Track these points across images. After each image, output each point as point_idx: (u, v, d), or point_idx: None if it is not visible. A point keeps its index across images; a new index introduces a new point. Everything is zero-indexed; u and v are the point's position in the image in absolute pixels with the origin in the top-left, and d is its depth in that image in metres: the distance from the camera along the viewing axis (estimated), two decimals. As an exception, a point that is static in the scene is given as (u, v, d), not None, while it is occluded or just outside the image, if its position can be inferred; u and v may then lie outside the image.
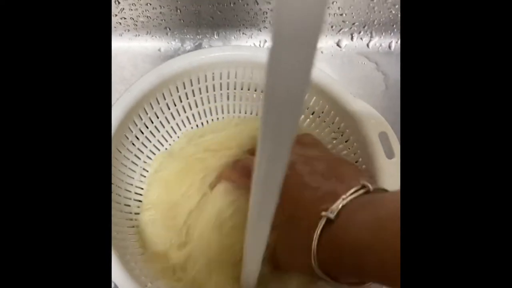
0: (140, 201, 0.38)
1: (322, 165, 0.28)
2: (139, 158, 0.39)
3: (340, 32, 0.51)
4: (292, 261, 0.28)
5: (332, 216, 0.23)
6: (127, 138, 0.37)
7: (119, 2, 0.46)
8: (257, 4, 0.47)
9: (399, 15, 0.50)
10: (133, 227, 0.36)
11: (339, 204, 0.23)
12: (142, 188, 0.39)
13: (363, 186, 0.24)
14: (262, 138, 0.14)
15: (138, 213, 0.38)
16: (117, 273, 0.28)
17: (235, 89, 0.41)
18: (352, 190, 0.24)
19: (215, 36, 0.51)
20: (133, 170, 0.38)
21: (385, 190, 0.25)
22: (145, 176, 0.40)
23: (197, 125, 0.43)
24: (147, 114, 0.38)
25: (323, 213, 0.23)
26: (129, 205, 0.37)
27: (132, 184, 0.38)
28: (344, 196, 0.24)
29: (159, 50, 0.50)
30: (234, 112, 0.43)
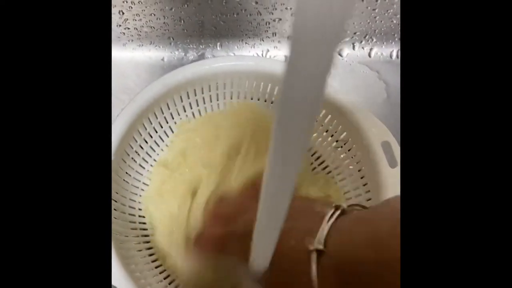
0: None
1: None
2: (144, 168, 0.39)
3: (342, 41, 0.51)
4: None
5: (321, 246, 0.22)
6: (132, 148, 0.37)
7: (123, 13, 0.47)
8: (260, 14, 0.47)
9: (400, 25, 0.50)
10: (138, 236, 0.36)
11: (323, 233, 0.23)
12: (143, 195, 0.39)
13: (337, 208, 0.24)
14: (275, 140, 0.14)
15: (143, 223, 0.38)
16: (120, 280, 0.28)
17: (238, 98, 0.41)
18: (327, 217, 0.23)
19: (218, 46, 0.51)
20: (137, 180, 0.39)
21: (363, 207, 0.25)
22: (148, 185, 0.40)
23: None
24: (151, 124, 0.38)
25: (311, 247, 0.23)
26: (133, 215, 0.37)
27: (136, 194, 0.38)
28: (323, 225, 0.23)
29: (163, 59, 0.51)
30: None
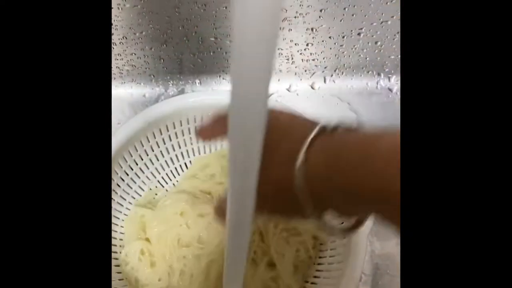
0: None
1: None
2: (124, 199, 0.40)
3: (314, 75, 0.55)
4: (273, 183, 0.22)
5: (331, 125, 0.22)
6: (113, 180, 0.38)
7: (105, 53, 0.49)
8: (235, 52, 0.50)
9: (367, 58, 0.54)
10: (118, 265, 0.37)
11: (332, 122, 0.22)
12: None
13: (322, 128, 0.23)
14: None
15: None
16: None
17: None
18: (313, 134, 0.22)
19: (197, 83, 0.54)
20: (118, 211, 0.40)
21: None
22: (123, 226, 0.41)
23: (180, 165, 0.45)
24: (131, 156, 0.40)
25: (320, 124, 0.22)
26: (114, 245, 0.38)
27: (117, 224, 0.39)
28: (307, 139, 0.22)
29: (144, 96, 0.53)
30: (216, 150, 0.45)
